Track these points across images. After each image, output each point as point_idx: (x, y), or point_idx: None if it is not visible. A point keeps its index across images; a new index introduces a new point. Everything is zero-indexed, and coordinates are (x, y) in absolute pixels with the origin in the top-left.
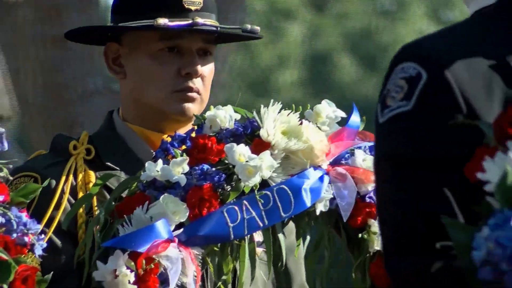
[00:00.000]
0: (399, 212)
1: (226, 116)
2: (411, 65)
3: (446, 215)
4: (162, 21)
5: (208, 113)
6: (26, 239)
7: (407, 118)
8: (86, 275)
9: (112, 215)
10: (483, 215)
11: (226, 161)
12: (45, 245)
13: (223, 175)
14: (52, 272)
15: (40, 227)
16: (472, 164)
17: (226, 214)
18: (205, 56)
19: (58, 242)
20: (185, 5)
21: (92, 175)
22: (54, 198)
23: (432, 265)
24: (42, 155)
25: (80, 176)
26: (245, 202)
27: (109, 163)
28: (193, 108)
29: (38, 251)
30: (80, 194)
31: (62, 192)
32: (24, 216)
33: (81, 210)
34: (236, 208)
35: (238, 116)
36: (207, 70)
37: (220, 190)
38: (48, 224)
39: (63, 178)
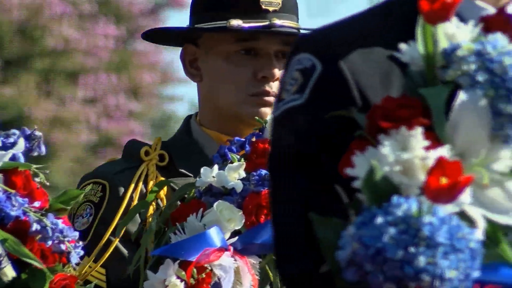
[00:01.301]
0: (289, 211)
1: None
2: (307, 56)
3: (338, 213)
4: (236, 22)
5: (270, 117)
6: (63, 246)
7: (299, 112)
8: (141, 285)
9: (167, 223)
10: (355, 213)
11: None
12: (82, 252)
13: None
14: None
15: (77, 234)
16: (344, 159)
17: None
18: (284, 58)
19: (124, 251)
20: (262, 6)
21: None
22: (121, 205)
23: (320, 266)
24: (114, 161)
25: (151, 183)
26: None
27: (182, 170)
28: (269, 112)
29: (75, 259)
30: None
31: (131, 199)
32: (61, 222)
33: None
34: None
35: None
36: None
37: None
38: (115, 233)
39: (132, 185)
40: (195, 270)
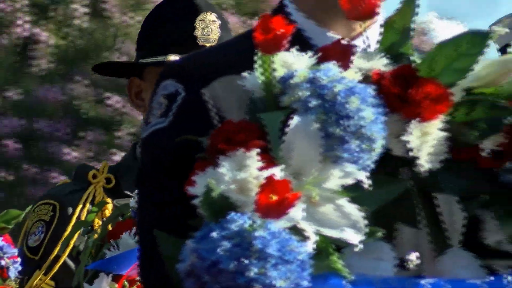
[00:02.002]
0: (145, 224)
1: None
2: (172, 82)
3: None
4: (173, 57)
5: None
6: (2, 262)
7: (163, 134)
8: None
9: (104, 240)
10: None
11: None
12: (19, 268)
13: None
14: None
15: (15, 251)
16: (188, 178)
17: None
18: None
19: (72, 265)
20: (199, 42)
21: (110, 203)
22: (70, 224)
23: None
24: (65, 183)
25: None
26: None
27: (127, 191)
28: None
29: (13, 273)
30: (96, 220)
31: (79, 218)
32: (1, 240)
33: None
34: None
35: None
36: None
37: None
38: (63, 249)
39: (80, 205)
40: (126, 282)
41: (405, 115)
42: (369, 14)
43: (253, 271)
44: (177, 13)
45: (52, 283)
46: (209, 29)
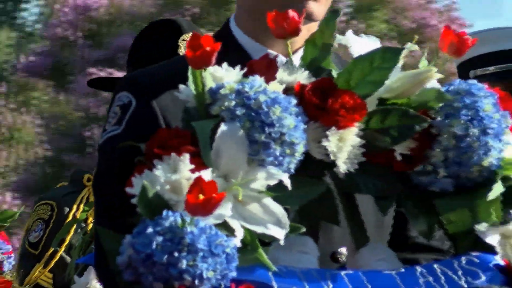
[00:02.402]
0: (97, 228)
1: None
2: (126, 94)
3: None
4: None
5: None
6: None
7: (115, 141)
8: None
9: (93, 237)
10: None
11: None
12: (13, 262)
13: None
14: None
15: (9, 247)
16: (128, 180)
17: None
18: None
19: (68, 259)
20: None
21: None
22: (66, 222)
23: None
24: (62, 186)
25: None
26: None
27: None
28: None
29: (7, 267)
30: (90, 219)
31: (74, 217)
32: None
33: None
34: None
35: None
36: None
37: None
38: (56, 244)
39: (75, 206)
40: None
41: (323, 123)
42: (293, 32)
43: (184, 263)
44: (162, 34)
45: (50, 275)
46: None
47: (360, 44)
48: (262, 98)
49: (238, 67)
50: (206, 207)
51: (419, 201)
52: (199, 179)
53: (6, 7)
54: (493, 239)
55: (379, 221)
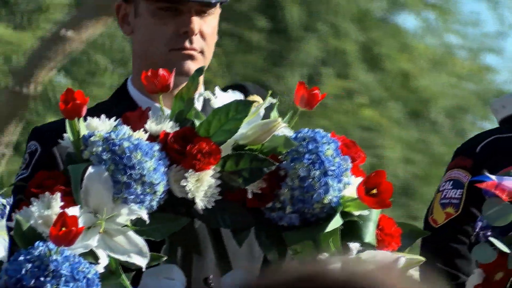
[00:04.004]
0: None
1: None
2: (34, 142)
3: None
4: None
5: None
6: None
7: (25, 181)
8: None
9: None
10: None
11: None
12: None
13: None
14: None
15: None
16: (10, 215)
17: None
18: (205, 14)
19: None
20: None
21: None
22: None
23: None
24: None
25: None
26: None
27: None
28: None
29: None
30: None
31: None
32: None
33: None
34: None
35: None
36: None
37: None
38: None
39: None
40: None
41: (183, 166)
42: (163, 88)
43: (48, 287)
44: None
45: None
46: None
47: (225, 97)
48: (126, 144)
49: (113, 118)
50: (67, 238)
51: (271, 234)
52: (62, 214)
53: None
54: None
55: (250, 253)
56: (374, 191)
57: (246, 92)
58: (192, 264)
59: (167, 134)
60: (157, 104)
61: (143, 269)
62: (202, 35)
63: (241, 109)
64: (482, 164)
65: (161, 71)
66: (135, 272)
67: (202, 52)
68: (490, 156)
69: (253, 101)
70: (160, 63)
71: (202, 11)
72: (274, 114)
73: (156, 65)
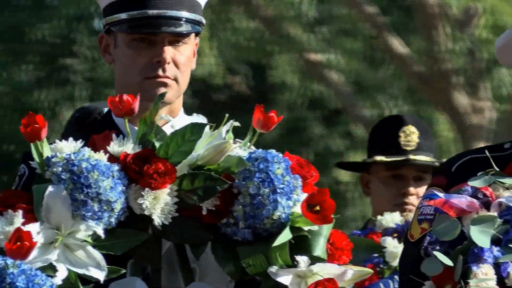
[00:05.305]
0: None
1: None
2: (23, 166)
3: None
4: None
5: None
6: None
7: None
8: None
9: None
10: None
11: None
12: None
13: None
14: None
15: None
16: None
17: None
18: (178, 43)
19: None
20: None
21: None
22: None
23: None
24: None
25: None
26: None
27: None
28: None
29: None
30: None
31: None
32: None
33: None
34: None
35: None
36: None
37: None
38: None
39: None
40: None
41: (141, 185)
42: (128, 112)
43: None
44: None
45: None
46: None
47: (187, 120)
48: (84, 164)
49: (80, 140)
50: (20, 252)
51: (226, 248)
52: (18, 230)
53: None
54: (285, 279)
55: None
56: (317, 208)
57: (401, 121)
58: (161, 277)
59: (127, 155)
60: (135, 127)
61: (101, 282)
62: (176, 64)
63: (196, 131)
64: (455, 183)
65: (125, 97)
66: (96, 285)
67: (176, 79)
68: (464, 176)
69: (206, 124)
70: (136, 91)
71: (175, 41)
72: (229, 135)
73: (134, 93)
